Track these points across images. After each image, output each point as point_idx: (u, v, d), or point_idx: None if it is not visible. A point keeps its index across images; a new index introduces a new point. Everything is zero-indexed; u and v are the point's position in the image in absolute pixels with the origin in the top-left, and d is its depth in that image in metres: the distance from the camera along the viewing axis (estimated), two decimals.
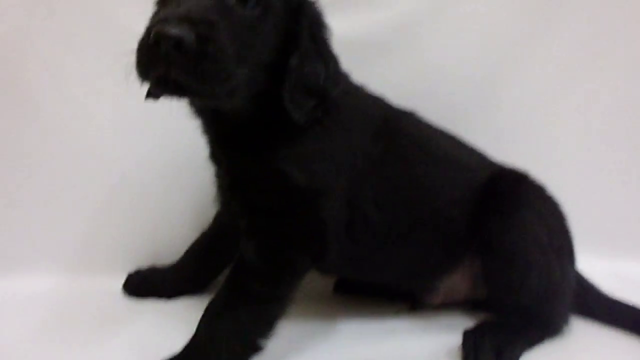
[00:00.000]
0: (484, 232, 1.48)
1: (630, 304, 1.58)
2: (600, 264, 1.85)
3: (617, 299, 1.62)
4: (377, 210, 1.43)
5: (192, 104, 1.37)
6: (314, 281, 1.52)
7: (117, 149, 1.88)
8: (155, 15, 1.19)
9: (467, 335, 1.41)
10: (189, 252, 1.77)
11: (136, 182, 1.89)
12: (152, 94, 1.30)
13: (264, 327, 1.30)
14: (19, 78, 1.84)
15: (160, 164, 1.88)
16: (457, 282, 1.61)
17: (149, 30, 1.08)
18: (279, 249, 1.32)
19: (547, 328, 1.48)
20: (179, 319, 1.58)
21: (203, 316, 1.31)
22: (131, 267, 1.83)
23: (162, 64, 1.06)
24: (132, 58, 1.12)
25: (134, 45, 1.12)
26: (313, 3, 1.36)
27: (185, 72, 1.07)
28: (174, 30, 1.04)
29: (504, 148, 1.78)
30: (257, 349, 1.30)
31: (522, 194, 1.51)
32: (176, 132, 1.73)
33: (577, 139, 2.02)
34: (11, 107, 1.86)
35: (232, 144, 1.36)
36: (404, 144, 1.49)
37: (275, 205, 1.31)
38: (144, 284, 1.77)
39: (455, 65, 1.94)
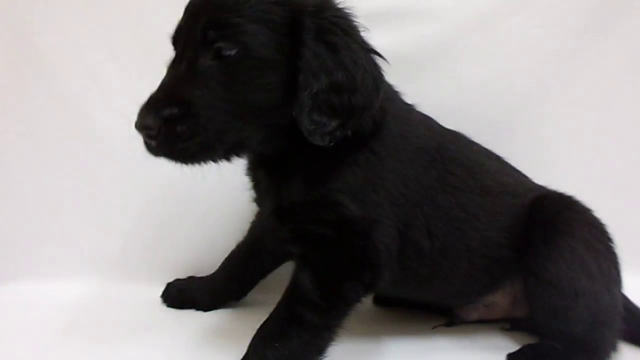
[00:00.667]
0: (529, 258, 1.47)
1: None
2: None
3: None
4: (428, 239, 1.43)
5: None
6: None
7: (158, 162, 1.88)
8: None
9: (510, 357, 1.42)
10: (224, 264, 1.79)
11: (178, 195, 1.92)
12: None
13: (315, 355, 1.31)
14: (66, 86, 1.89)
15: (199, 178, 1.89)
16: (497, 301, 1.62)
17: None
18: (335, 280, 1.32)
19: (594, 355, 1.46)
20: (214, 331, 1.62)
21: (254, 339, 1.32)
22: (170, 278, 1.86)
23: (150, 150, 1.19)
24: None
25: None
26: (317, 13, 1.25)
27: (162, 154, 1.18)
28: (142, 122, 1.15)
29: (545, 166, 1.80)
30: None
31: (568, 219, 1.50)
32: None
33: (622, 155, 2.00)
34: (58, 115, 1.90)
35: (279, 177, 1.36)
36: (457, 173, 1.48)
37: (330, 235, 1.31)
38: (181, 295, 1.80)
39: (496, 80, 1.93)
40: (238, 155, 1.28)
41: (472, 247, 1.48)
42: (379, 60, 1.31)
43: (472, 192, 1.49)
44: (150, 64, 1.79)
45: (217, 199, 1.91)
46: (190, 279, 1.85)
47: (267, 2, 1.21)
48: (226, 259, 1.78)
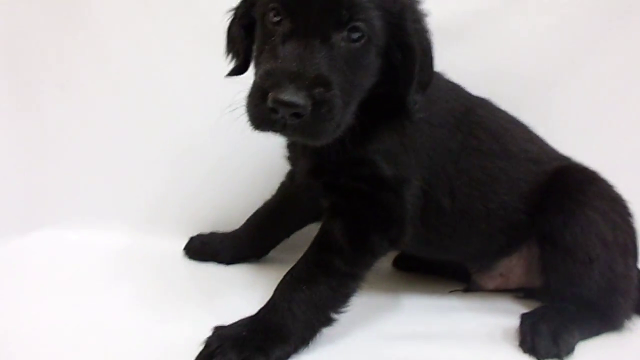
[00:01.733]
0: (547, 224, 1.52)
1: None
2: None
3: None
4: (450, 200, 1.50)
5: None
6: None
7: (189, 120, 1.96)
8: (268, 61, 1.21)
9: (525, 318, 1.44)
10: (250, 220, 1.83)
11: (204, 152, 1.97)
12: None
13: (340, 301, 1.35)
14: (106, 46, 1.95)
15: (228, 136, 1.89)
16: (512, 266, 1.66)
17: (262, 88, 1.15)
18: (364, 230, 1.37)
19: (607, 321, 1.50)
20: (235, 283, 1.67)
21: (281, 284, 1.36)
22: (194, 232, 1.91)
23: (279, 126, 1.16)
24: (242, 110, 1.20)
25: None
26: (412, 5, 1.37)
27: (299, 132, 1.18)
28: (292, 98, 1.11)
29: (571, 137, 1.85)
30: (329, 321, 1.34)
31: (588, 191, 1.53)
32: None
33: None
34: (98, 73, 1.96)
35: None
36: (481, 137, 1.54)
37: (363, 189, 1.37)
38: (204, 248, 1.85)
39: (529, 52, 1.97)
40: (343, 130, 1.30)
41: (491, 209, 1.54)
42: None
43: (495, 156, 1.54)
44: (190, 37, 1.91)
45: (245, 157, 1.96)
46: (213, 234, 1.90)
47: None
48: (252, 215, 1.83)
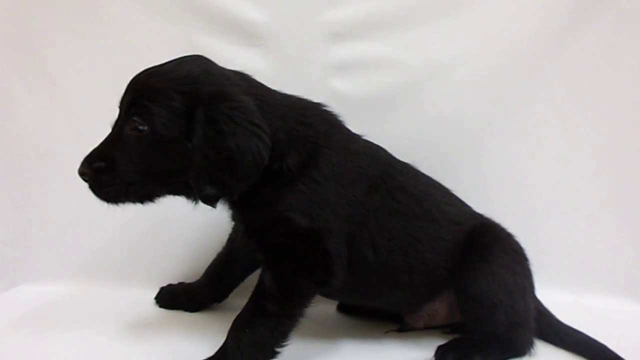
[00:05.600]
0: (461, 279, 1.74)
1: (579, 331, 1.86)
2: (563, 297, 2.17)
3: (568, 325, 1.89)
4: (373, 253, 1.67)
5: None
6: (320, 304, 1.76)
7: None
8: None
9: (438, 349, 1.70)
10: (207, 271, 2.04)
11: (171, 213, 2.06)
12: None
13: (279, 338, 1.57)
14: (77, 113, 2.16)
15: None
16: (436, 308, 1.88)
17: None
18: (291, 277, 1.58)
19: (509, 349, 1.75)
20: (199, 327, 1.89)
21: (231, 329, 1.59)
22: (164, 282, 2.12)
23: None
24: None
25: None
26: (208, 103, 1.45)
27: (96, 193, 1.53)
28: (79, 169, 1.51)
29: (486, 192, 2.14)
30: (273, 355, 1.57)
31: (494, 249, 1.76)
32: None
33: (546, 188, 2.29)
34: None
35: (243, 203, 1.61)
36: (402, 200, 1.70)
37: (286, 244, 1.58)
38: (172, 297, 2.06)
39: (449, 120, 2.21)
40: (151, 201, 1.60)
41: (412, 265, 1.70)
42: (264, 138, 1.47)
43: (417, 218, 1.71)
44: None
45: (203, 216, 2.03)
46: (180, 284, 2.11)
47: (174, 91, 1.47)
48: (208, 267, 2.03)
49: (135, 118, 1.48)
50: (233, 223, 1.86)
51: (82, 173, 1.51)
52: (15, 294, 2.12)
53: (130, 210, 2.06)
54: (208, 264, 2.03)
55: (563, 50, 2.18)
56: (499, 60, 2.17)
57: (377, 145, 1.79)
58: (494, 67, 2.17)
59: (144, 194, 1.57)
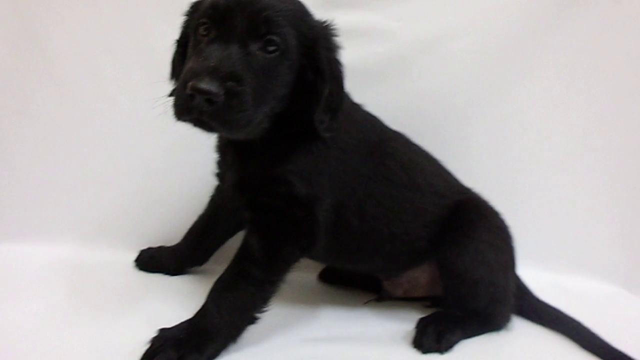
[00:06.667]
0: (444, 254, 1.75)
1: (556, 308, 1.90)
2: (543, 276, 2.21)
3: (546, 303, 1.93)
4: (358, 220, 1.68)
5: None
6: (301, 272, 1.76)
7: (141, 142, 2.16)
8: (193, 61, 1.37)
9: (419, 322, 1.73)
10: (187, 234, 2.01)
11: (154, 175, 2.17)
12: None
13: (260, 303, 1.56)
14: (63, 70, 2.10)
15: (172, 165, 2.16)
16: (417, 277, 1.89)
17: (184, 81, 1.31)
18: (277, 243, 1.56)
19: (489, 324, 1.78)
20: (179, 291, 1.87)
21: (211, 292, 1.56)
22: (144, 245, 2.09)
23: (195, 112, 1.30)
24: (169, 101, 1.38)
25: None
26: (326, 36, 1.52)
27: (213, 119, 1.32)
28: (206, 86, 1.26)
29: (471, 168, 2.10)
30: (252, 320, 1.56)
31: (478, 226, 1.77)
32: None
33: (531, 168, 2.32)
34: (54, 97, 2.11)
35: (245, 155, 1.59)
36: (392, 167, 1.71)
37: (278, 206, 1.55)
38: (152, 260, 2.03)
39: (440, 93, 2.21)
40: (250, 133, 1.47)
41: (395, 233, 1.72)
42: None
43: (403, 186, 1.72)
44: (140, 57, 2.08)
45: (183, 177, 2.16)
46: (160, 247, 2.07)
47: (300, 14, 1.48)
48: (189, 230, 2.00)
49: (270, 37, 1.39)
50: (216, 180, 1.83)
51: (209, 92, 1.27)
52: None
53: (109, 173, 2.14)
54: (188, 227, 2.02)
55: (555, 32, 2.19)
56: (491, 37, 2.18)
57: (374, 115, 1.81)
58: (486, 44, 2.18)
59: (258, 122, 1.44)
